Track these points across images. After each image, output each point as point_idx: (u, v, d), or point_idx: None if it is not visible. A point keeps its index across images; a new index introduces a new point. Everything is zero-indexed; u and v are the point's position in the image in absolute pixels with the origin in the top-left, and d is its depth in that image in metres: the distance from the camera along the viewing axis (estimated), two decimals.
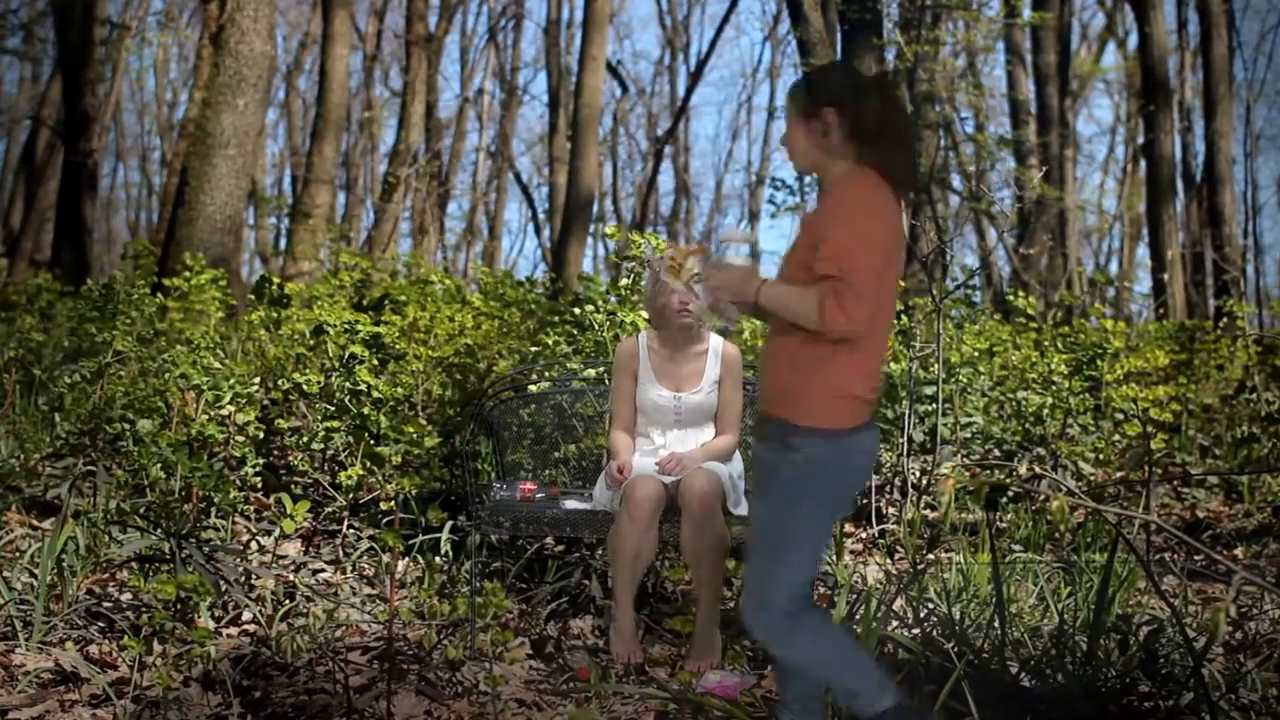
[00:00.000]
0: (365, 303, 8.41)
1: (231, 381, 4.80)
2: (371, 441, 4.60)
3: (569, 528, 3.74)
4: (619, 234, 5.21)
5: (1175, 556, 4.76)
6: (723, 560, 3.41)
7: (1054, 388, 5.68)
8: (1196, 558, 4.72)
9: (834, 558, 4.28)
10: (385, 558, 4.19)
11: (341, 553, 4.31)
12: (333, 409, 4.73)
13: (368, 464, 4.54)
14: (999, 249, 19.92)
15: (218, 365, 5.08)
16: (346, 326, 4.92)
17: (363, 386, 4.67)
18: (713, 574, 3.36)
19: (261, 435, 4.81)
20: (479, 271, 10.65)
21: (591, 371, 4.43)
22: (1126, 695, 2.74)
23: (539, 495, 3.87)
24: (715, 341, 3.73)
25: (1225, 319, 8.70)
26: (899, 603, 3.50)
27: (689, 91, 26.99)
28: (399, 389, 4.99)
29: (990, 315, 9.15)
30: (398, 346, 5.40)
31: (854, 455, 2.38)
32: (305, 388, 4.86)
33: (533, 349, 5.45)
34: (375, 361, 4.96)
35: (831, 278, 2.24)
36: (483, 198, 29.69)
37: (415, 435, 4.62)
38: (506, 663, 3.15)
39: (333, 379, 4.85)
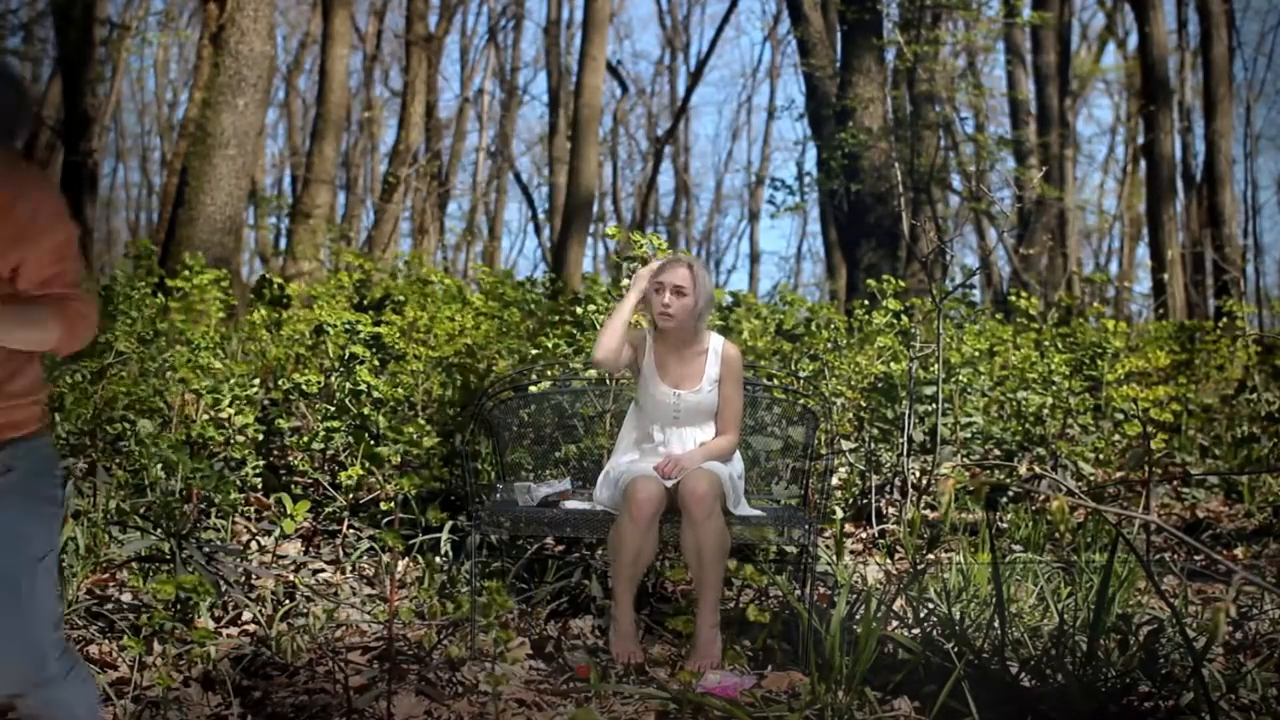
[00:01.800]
0: (365, 303, 8.42)
1: (231, 383, 4.80)
2: (371, 442, 4.60)
3: (569, 528, 3.74)
4: (620, 234, 5.21)
5: (1175, 556, 4.76)
6: (723, 560, 3.41)
7: (1054, 388, 5.68)
8: (1196, 558, 4.72)
9: (834, 558, 4.29)
10: (385, 558, 4.18)
11: (341, 553, 4.31)
12: (333, 409, 4.73)
13: (368, 464, 4.54)
14: (999, 249, 19.93)
15: (218, 365, 5.07)
16: (347, 327, 4.91)
17: (363, 387, 4.67)
18: (713, 574, 3.37)
19: (261, 436, 4.81)
20: (479, 271, 10.66)
21: (593, 372, 4.43)
22: (1126, 695, 2.74)
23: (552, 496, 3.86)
24: (715, 341, 3.73)
25: (1226, 319, 8.70)
26: (899, 603, 3.51)
27: (689, 91, 27.00)
28: (399, 389, 4.99)
29: (991, 315, 9.16)
30: (398, 347, 5.40)
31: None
32: (305, 388, 4.86)
33: (533, 350, 5.46)
34: (376, 362, 4.96)
35: (67, 295, 1.99)
36: (483, 198, 29.71)
37: (414, 435, 4.61)
38: (508, 663, 3.15)
39: (333, 379, 4.86)
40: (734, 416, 3.70)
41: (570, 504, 3.81)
